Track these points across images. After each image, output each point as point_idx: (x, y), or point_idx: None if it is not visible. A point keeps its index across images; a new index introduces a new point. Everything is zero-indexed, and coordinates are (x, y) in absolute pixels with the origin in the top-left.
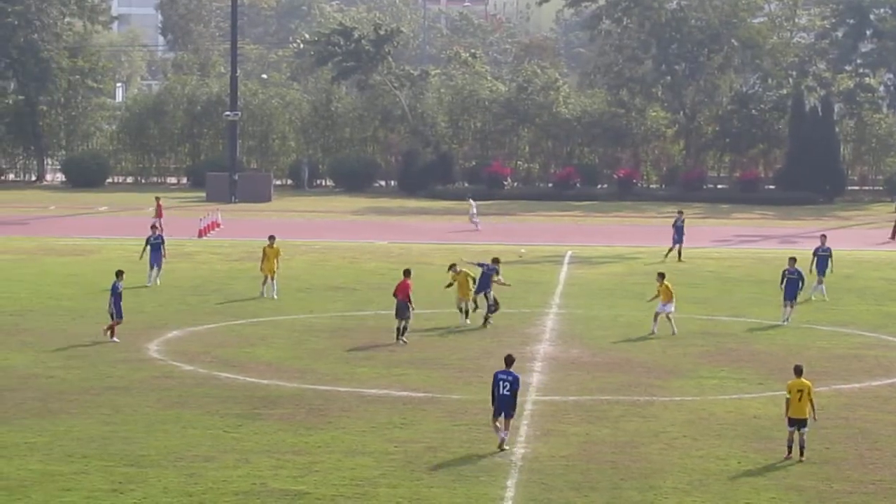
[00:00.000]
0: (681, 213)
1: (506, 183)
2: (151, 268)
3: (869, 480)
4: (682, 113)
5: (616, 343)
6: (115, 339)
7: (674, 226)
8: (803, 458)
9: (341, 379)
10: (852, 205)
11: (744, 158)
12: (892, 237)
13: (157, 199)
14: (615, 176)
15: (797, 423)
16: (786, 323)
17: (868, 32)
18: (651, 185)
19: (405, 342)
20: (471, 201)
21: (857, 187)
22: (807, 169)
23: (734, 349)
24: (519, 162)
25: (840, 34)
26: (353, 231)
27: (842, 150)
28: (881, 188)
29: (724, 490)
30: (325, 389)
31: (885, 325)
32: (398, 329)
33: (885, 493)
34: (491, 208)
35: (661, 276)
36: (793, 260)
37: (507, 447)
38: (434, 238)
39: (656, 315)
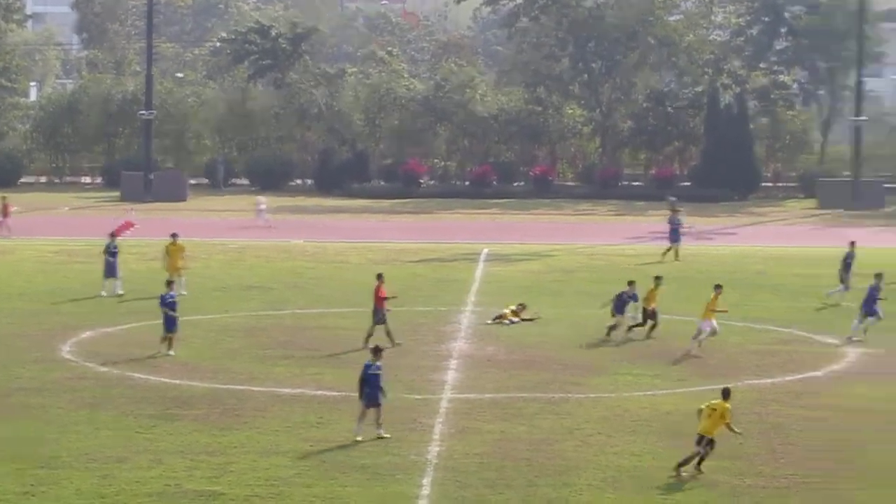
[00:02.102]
0: (676, 211)
1: (422, 181)
2: (107, 277)
3: (781, 475)
4: (598, 110)
5: (532, 340)
6: (171, 352)
7: (669, 222)
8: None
9: (256, 378)
10: (766, 201)
11: (659, 156)
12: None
13: (3, 198)
14: (532, 174)
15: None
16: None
17: (783, 30)
18: (567, 183)
19: (399, 343)
20: (259, 198)
21: (771, 184)
22: (722, 166)
23: (649, 346)
24: (436, 160)
25: (755, 32)
26: (269, 230)
27: (756, 147)
28: (795, 185)
29: (638, 486)
30: (240, 389)
31: (799, 320)
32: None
33: (798, 487)
34: (407, 206)
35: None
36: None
37: (387, 435)
38: (350, 237)
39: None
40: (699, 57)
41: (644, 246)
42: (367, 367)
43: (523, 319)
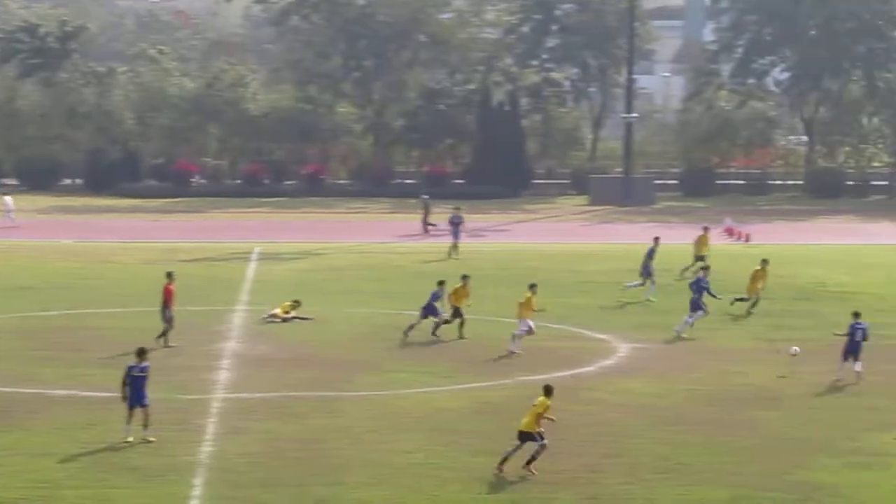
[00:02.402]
0: (458, 209)
1: (194, 180)
2: None
3: (553, 470)
4: (370, 108)
5: (304, 339)
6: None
7: (450, 222)
8: (530, 469)
9: (25, 380)
10: (539, 198)
11: (432, 153)
12: (425, 230)
13: None
14: (304, 172)
15: (522, 437)
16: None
17: (554, 28)
18: (340, 181)
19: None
20: (5, 198)
21: (543, 181)
22: (494, 163)
23: (421, 343)
24: (207, 159)
25: (526, 29)
26: (39, 230)
27: (528, 144)
28: (567, 181)
29: (411, 483)
30: (9, 391)
31: (570, 316)
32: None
33: (569, 482)
34: (179, 206)
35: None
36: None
37: (152, 439)
38: (121, 237)
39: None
40: (471, 55)
41: (416, 244)
42: (131, 368)
43: (297, 318)
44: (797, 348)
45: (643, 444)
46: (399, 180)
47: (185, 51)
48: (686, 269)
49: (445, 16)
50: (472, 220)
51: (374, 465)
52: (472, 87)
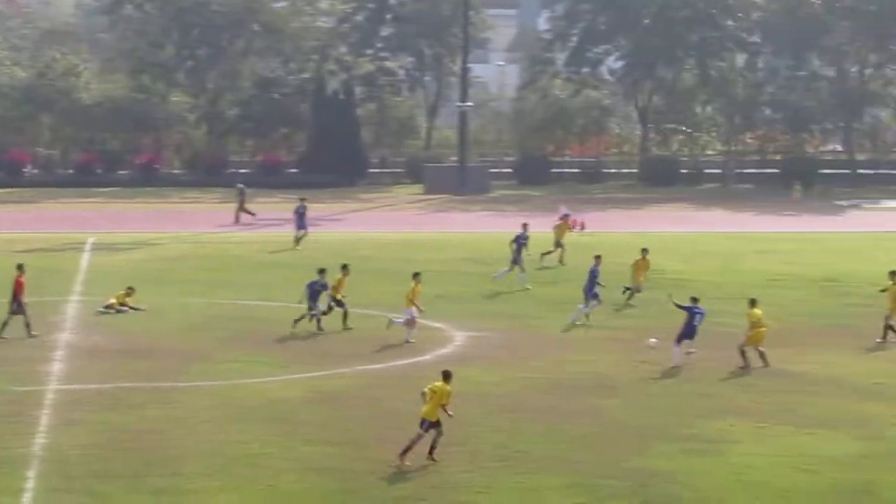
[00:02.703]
0: (303, 199)
1: (26, 170)
2: None
3: (390, 460)
4: (204, 98)
5: (138, 330)
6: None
7: (295, 212)
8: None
9: None
10: (374, 187)
11: (266, 142)
12: (237, 220)
13: None
14: (137, 161)
15: (424, 425)
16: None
17: (388, 17)
18: (174, 171)
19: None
20: None
21: (378, 170)
22: (329, 152)
23: (258, 333)
24: (39, 148)
25: (361, 18)
26: None
27: (363, 133)
28: (402, 170)
29: (247, 473)
30: None
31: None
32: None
33: (406, 471)
34: (11, 196)
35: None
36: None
37: None
38: None
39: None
40: (305, 44)
41: (252, 234)
42: None
43: (132, 308)
44: (656, 340)
45: (482, 433)
46: (233, 170)
47: (17, 40)
48: (546, 253)
49: (279, 5)
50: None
51: (209, 456)
52: (306, 76)
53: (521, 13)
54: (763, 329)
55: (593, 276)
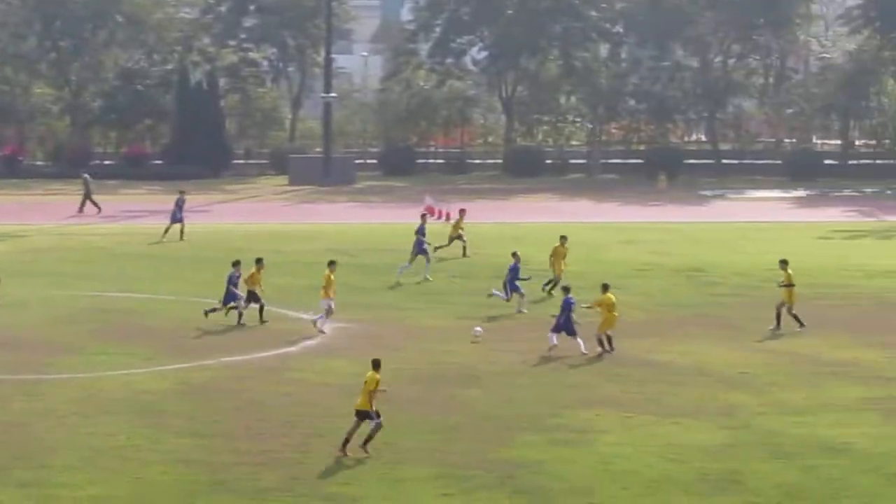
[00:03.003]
0: (182, 192)
1: None
2: None
3: (258, 451)
4: (67, 89)
5: (3, 322)
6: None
7: (176, 204)
8: (366, 450)
9: None
10: (239, 178)
11: (130, 134)
12: (81, 210)
13: None
14: (0, 153)
15: (359, 415)
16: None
17: (251, 7)
18: (37, 162)
19: None
20: None
21: (243, 161)
22: (193, 144)
23: (124, 324)
24: None
25: (224, 9)
26: None
27: (228, 124)
28: (266, 162)
29: (114, 465)
30: None
31: (272, 297)
32: None
33: (273, 463)
34: None
35: None
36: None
37: None
38: None
39: None
40: (168, 35)
41: (117, 225)
42: None
43: None
44: (480, 329)
45: (347, 424)
46: (98, 161)
47: None
48: (439, 248)
49: None
50: (171, 201)
51: (77, 448)
52: (169, 67)
53: (384, 4)
54: (615, 314)
55: (514, 272)
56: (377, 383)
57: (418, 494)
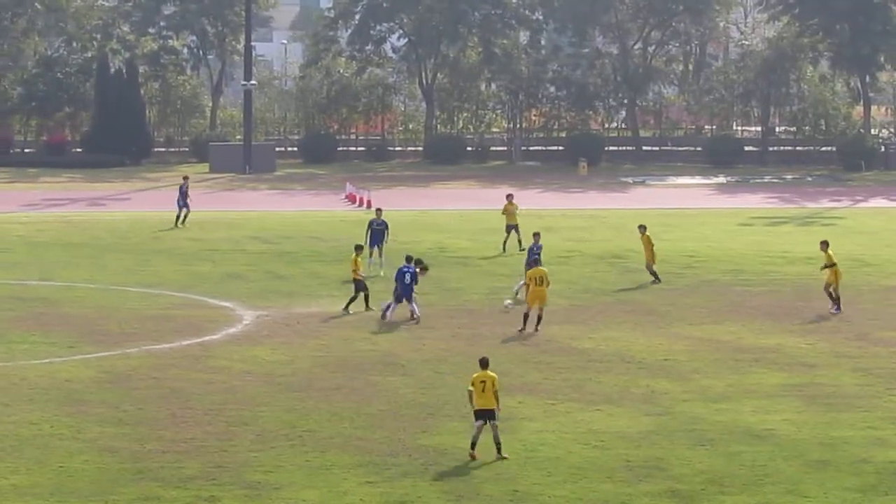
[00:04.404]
0: (186, 178)
1: None
2: None
3: (181, 439)
4: None
5: None
6: None
7: (179, 190)
8: (503, 455)
9: None
10: (160, 166)
11: (51, 122)
12: None
13: None
14: None
15: (484, 415)
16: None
17: None
18: None
19: None
20: None
21: (163, 149)
22: (114, 131)
23: (44, 313)
24: None
25: None
26: None
27: (148, 112)
28: (187, 149)
29: (38, 455)
30: None
31: (194, 285)
32: None
33: (197, 450)
34: None
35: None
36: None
37: None
38: None
39: None
40: (88, 22)
41: (38, 213)
42: None
43: None
44: (511, 301)
45: (270, 412)
46: (18, 149)
47: None
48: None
49: None
50: (92, 189)
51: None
52: (89, 55)
53: None
54: (542, 288)
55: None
56: (494, 381)
57: (341, 482)
